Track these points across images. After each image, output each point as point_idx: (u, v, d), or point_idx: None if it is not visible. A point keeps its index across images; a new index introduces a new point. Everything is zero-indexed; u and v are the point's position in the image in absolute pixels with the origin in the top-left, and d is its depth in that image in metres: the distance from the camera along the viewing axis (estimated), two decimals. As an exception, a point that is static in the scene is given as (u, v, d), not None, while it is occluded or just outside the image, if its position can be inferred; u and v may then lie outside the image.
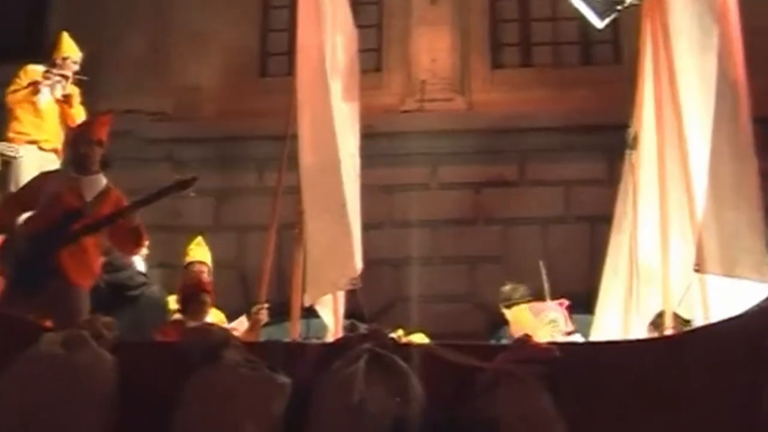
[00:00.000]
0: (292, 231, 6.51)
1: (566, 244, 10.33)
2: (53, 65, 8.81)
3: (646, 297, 5.86)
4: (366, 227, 6.79)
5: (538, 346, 4.44)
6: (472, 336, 8.73)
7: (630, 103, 6.31)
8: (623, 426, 4.29)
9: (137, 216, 6.16)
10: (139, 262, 7.83)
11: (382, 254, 9.53)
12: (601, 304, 6.36)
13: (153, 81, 11.32)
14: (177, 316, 7.16)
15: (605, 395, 4.29)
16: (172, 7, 11.74)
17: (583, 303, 7.01)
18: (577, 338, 6.78)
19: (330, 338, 6.34)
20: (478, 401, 4.19)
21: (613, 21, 6.41)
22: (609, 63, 11.40)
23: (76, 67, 8.87)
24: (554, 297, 7.29)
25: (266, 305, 6.71)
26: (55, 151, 8.70)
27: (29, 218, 6.19)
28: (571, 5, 6.41)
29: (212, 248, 8.37)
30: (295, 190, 6.31)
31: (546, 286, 7.39)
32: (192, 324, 6.34)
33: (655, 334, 5.71)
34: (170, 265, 8.81)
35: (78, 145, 6.44)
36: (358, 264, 6.41)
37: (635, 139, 6.15)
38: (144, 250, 7.39)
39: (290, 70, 7.16)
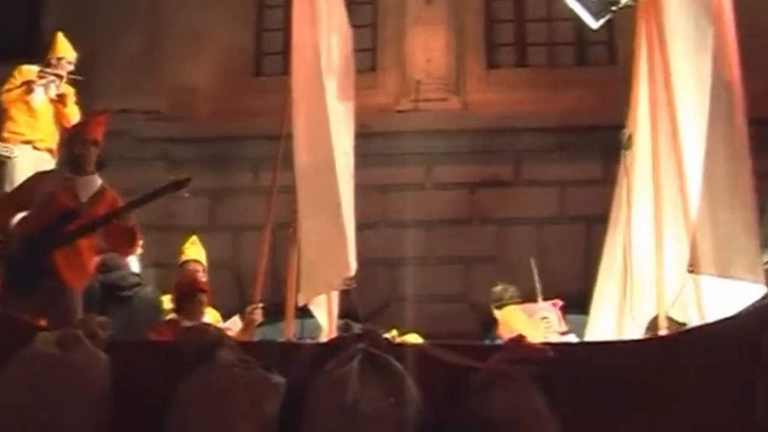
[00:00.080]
0: (286, 231, 6.51)
1: (561, 245, 10.33)
2: (48, 65, 8.82)
3: (640, 299, 5.86)
4: (361, 227, 6.78)
5: (531, 347, 4.44)
6: (467, 336, 8.71)
7: (625, 104, 6.30)
8: (617, 426, 4.30)
9: (132, 217, 6.15)
10: (133, 263, 7.83)
11: (376, 254, 9.51)
12: (596, 305, 6.35)
13: (148, 81, 11.27)
14: (172, 315, 7.15)
15: (599, 395, 4.29)
16: (166, 7, 11.69)
17: (577, 303, 7.02)
18: (572, 339, 6.78)
19: (324, 338, 6.34)
20: (473, 401, 4.19)
21: (608, 22, 6.40)
22: (604, 64, 11.38)
23: (71, 68, 8.88)
24: (549, 297, 7.29)
25: (261, 305, 6.70)
26: (49, 150, 8.71)
27: (24, 218, 6.18)
28: (566, 6, 6.40)
29: (207, 248, 8.36)
30: (290, 190, 6.30)
31: (538, 285, 7.39)
32: (187, 323, 6.33)
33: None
34: (165, 264, 8.78)
35: (73, 145, 6.42)
36: (353, 264, 6.40)
37: (630, 139, 6.15)
38: (139, 250, 7.37)
39: (285, 70, 7.17)
